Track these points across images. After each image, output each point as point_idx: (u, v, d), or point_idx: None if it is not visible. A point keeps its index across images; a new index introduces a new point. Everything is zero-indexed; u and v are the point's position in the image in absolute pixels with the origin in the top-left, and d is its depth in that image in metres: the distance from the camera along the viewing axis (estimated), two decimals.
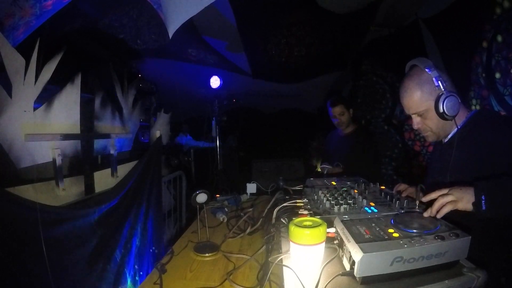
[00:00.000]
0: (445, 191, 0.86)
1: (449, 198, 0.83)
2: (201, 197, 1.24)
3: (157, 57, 2.79)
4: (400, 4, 2.50)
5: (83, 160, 1.80)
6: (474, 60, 1.90)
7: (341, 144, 2.30)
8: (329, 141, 2.48)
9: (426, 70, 1.02)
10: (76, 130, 1.71)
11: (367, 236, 0.73)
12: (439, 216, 0.82)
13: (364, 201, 1.06)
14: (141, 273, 2.04)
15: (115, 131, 2.12)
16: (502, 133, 0.96)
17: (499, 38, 1.68)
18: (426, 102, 1.05)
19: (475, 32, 1.85)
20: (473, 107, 1.90)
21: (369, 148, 2.21)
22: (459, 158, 1.05)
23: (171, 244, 1.38)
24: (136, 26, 2.13)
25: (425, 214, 0.84)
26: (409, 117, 1.20)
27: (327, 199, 1.10)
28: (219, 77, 3.17)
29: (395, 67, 2.93)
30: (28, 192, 1.32)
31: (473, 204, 0.81)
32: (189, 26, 1.47)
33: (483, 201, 0.79)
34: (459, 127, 1.06)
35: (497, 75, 1.70)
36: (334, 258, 0.82)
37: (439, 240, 0.68)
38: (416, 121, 1.11)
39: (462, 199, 0.83)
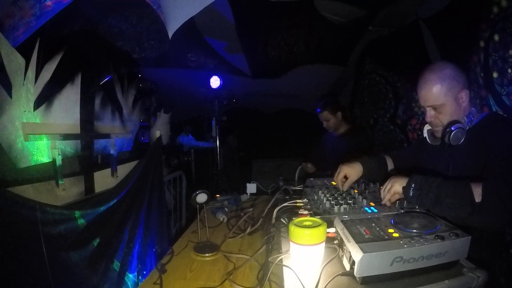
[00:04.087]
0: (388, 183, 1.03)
1: (388, 186, 1.01)
2: (201, 197, 1.24)
3: (156, 66, 2.77)
4: (400, 4, 2.49)
5: (83, 160, 1.79)
6: (472, 59, 1.89)
7: (336, 145, 2.33)
8: (325, 142, 2.51)
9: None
10: (76, 130, 1.70)
11: (367, 236, 0.73)
12: (392, 201, 1.01)
13: (364, 201, 1.06)
14: (144, 272, 2.04)
15: (115, 131, 2.12)
16: (504, 137, 0.96)
17: (496, 38, 1.67)
18: (444, 97, 1.05)
19: (473, 31, 1.84)
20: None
21: (365, 147, 2.21)
22: (464, 158, 1.05)
23: (171, 244, 1.38)
24: (135, 32, 2.11)
25: (383, 202, 1.03)
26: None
27: (327, 199, 1.10)
28: (219, 77, 3.16)
29: (395, 67, 2.93)
30: (28, 192, 1.32)
31: (403, 188, 0.96)
32: (190, 27, 1.46)
33: (411, 188, 0.93)
34: (470, 126, 1.06)
35: (495, 75, 1.70)
36: (334, 258, 0.82)
37: (439, 240, 0.69)
38: (430, 114, 1.11)
39: (396, 182, 1.00)
